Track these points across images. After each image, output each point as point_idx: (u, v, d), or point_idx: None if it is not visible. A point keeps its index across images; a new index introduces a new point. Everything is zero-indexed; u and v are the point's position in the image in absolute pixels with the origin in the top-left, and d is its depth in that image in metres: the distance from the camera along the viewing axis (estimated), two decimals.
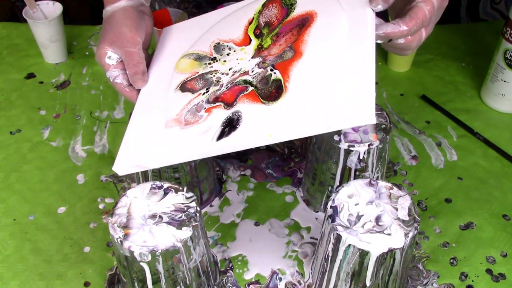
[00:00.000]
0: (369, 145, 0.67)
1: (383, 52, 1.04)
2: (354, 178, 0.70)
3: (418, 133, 0.88)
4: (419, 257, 0.70)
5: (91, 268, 0.69)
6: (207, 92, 0.62)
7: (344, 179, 0.71)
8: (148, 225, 0.57)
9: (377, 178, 0.72)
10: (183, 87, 0.65)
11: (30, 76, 0.99)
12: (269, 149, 0.85)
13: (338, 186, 0.65)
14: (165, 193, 0.60)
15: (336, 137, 0.68)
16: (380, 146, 0.68)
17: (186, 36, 0.73)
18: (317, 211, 0.76)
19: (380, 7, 0.59)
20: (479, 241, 0.72)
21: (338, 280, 0.61)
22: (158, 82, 0.69)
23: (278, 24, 0.66)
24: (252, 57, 0.64)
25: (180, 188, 0.61)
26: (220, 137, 0.57)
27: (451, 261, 0.70)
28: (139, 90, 0.69)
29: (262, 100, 0.58)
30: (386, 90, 0.96)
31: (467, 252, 0.71)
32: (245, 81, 0.61)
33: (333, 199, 0.60)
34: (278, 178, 0.81)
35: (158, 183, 0.61)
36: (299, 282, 0.68)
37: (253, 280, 0.68)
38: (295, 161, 0.83)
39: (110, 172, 0.81)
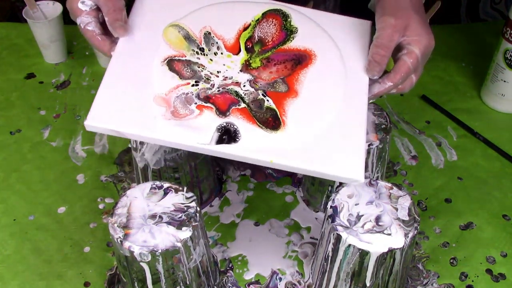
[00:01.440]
0: (369, 145, 0.67)
1: None
2: None
3: (418, 133, 0.88)
4: (419, 257, 0.70)
5: (91, 268, 0.69)
6: (196, 85, 0.62)
7: None
8: (148, 225, 0.57)
9: (377, 178, 0.72)
10: (170, 65, 0.63)
11: (30, 76, 0.99)
12: None
13: (338, 186, 0.65)
14: (165, 193, 0.60)
15: None
16: (380, 146, 0.68)
17: (180, 4, 0.69)
18: (317, 211, 0.76)
19: (376, 76, 0.64)
20: (479, 241, 0.72)
21: (338, 280, 0.61)
22: (141, 39, 0.64)
23: (272, 48, 0.66)
24: (240, 70, 0.64)
25: (180, 188, 0.61)
26: (219, 142, 0.58)
27: (451, 261, 0.70)
28: (112, 42, 0.64)
29: (258, 124, 0.59)
30: None
31: (467, 252, 0.71)
32: (237, 94, 0.61)
33: (333, 199, 0.60)
34: (278, 178, 0.81)
35: (158, 183, 0.61)
36: (299, 282, 0.68)
37: (253, 280, 0.68)
38: None
39: (110, 172, 0.81)
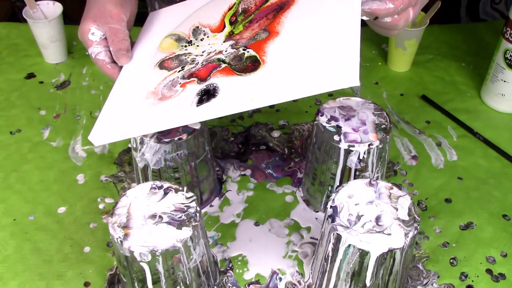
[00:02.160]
0: (369, 145, 0.67)
1: (383, 52, 1.04)
2: (354, 178, 0.70)
3: (418, 133, 0.88)
4: (419, 257, 0.70)
5: (91, 268, 0.69)
6: (182, 70, 0.64)
7: (344, 179, 0.71)
8: (148, 225, 0.57)
9: (377, 178, 0.72)
10: (161, 65, 0.66)
11: (30, 76, 0.99)
12: (269, 149, 0.85)
13: (338, 186, 0.65)
14: (165, 193, 0.60)
15: (336, 137, 0.68)
16: (380, 146, 0.68)
17: (172, 19, 0.73)
18: (317, 211, 0.76)
19: None
20: (479, 241, 0.72)
21: (338, 280, 0.61)
22: (141, 59, 0.69)
23: (255, 11, 0.67)
24: (224, 42, 0.65)
25: (180, 188, 0.61)
26: (199, 103, 0.58)
27: (451, 261, 0.70)
28: (121, 68, 0.69)
29: (237, 73, 0.59)
30: (386, 90, 0.96)
31: (467, 252, 0.71)
32: (219, 59, 0.62)
33: (333, 199, 0.60)
34: (278, 178, 0.81)
35: (158, 183, 0.61)
36: (299, 282, 0.68)
37: (253, 280, 0.68)
38: (295, 161, 0.83)
39: (110, 172, 0.81)
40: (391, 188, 0.61)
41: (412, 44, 0.95)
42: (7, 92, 0.96)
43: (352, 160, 0.68)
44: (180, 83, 0.62)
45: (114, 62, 0.68)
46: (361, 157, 0.68)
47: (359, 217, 0.58)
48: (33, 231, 0.73)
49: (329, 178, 0.72)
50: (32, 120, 0.90)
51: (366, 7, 0.58)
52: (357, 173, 0.70)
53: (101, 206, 0.77)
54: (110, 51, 0.68)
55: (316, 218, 0.75)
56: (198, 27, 0.68)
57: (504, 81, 0.88)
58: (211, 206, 0.77)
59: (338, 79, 0.53)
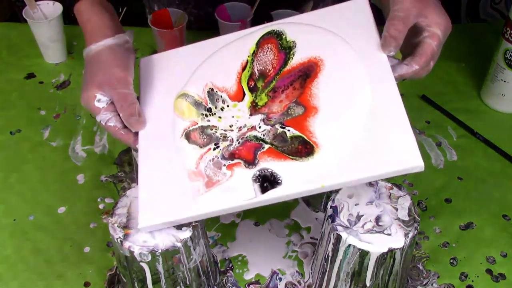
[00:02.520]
0: None
1: None
2: None
3: (418, 133, 0.88)
4: (419, 257, 0.70)
5: (91, 268, 0.69)
6: (217, 147, 0.59)
7: None
8: None
9: None
10: (188, 137, 0.61)
11: (30, 76, 0.99)
12: None
13: None
14: None
15: None
16: None
17: (177, 70, 0.67)
18: (317, 211, 0.76)
19: (392, 52, 0.59)
20: (479, 241, 0.72)
21: (338, 280, 0.60)
22: (158, 123, 0.64)
23: (275, 76, 0.62)
24: (250, 114, 0.61)
25: None
26: (263, 191, 0.55)
27: (451, 261, 0.70)
28: (136, 133, 0.64)
29: (291, 157, 0.56)
30: None
31: (467, 252, 0.71)
32: (257, 138, 0.58)
33: (333, 199, 0.60)
34: None
35: None
36: (299, 282, 0.68)
37: (253, 280, 0.68)
38: None
39: (110, 172, 0.81)
40: (391, 188, 0.61)
41: None
42: (7, 92, 0.96)
43: None
44: (225, 164, 0.57)
45: (126, 127, 0.64)
46: None
47: (359, 217, 0.58)
48: (33, 231, 0.73)
49: None
50: (32, 120, 0.90)
51: (396, 74, 0.59)
52: None
53: (101, 206, 0.77)
54: (119, 116, 0.63)
55: (316, 218, 0.75)
56: (212, 89, 0.63)
57: (504, 81, 0.88)
58: None
59: (404, 168, 0.53)
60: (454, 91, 0.96)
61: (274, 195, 0.55)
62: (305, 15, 0.66)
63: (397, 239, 0.56)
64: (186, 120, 0.62)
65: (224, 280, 0.68)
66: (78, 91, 0.95)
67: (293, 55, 0.62)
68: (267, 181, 0.55)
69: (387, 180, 0.78)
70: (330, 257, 0.60)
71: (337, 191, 0.61)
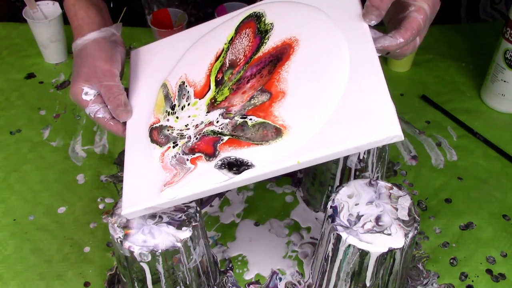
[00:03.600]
0: None
1: None
2: (354, 178, 0.70)
3: (418, 133, 0.88)
4: (419, 257, 0.70)
5: (91, 268, 0.69)
6: (176, 145, 0.58)
7: (344, 179, 0.71)
8: (148, 225, 0.57)
9: (377, 178, 0.72)
10: (151, 135, 0.61)
11: (30, 76, 0.99)
12: None
13: (338, 186, 0.65)
14: None
15: None
16: (380, 146, 0.68)
17: (165, 60, 0.67)
18: (317, 211, 0.76)
19: (374, 22, 0.57)
20: (479, 241, 0.72)
21: (338, 280, 0.61)
22: (144, 113, 0.64)
23: (244, 65, 0.60)
24: (207, 112, 0.59)
25: None
26: (236, 173, 0.53)
27: (451, 261, 0.70)
28: (124, 123, 0.64)
29: (255, 143, 0.54)
30: None
31: (467, 252, 0.71)
32: (214, 132, 0.57)
33: (333, 199, 0.60)
34: (278, 178, 0.81)
35: None
36: (299, 282, 0.68)
37: (253, 280, 0.68)
38: None
39: (110, 172, 0.81)
40: (391, 188, 0.61)
41: None
42: (7, 92, 0.96)
43: (352, 160, 0.68)
44: (188, 159, 0.56)
45: (114, 118, 0.64)
46: (361, 157, 0.68)
47: (359, 217, 0.58)
48: (33, 231, 0.73)
49: (329, 178, 0.72)
50: (32, 120, 0.90)
51: (379, 45, 0.57)
52: (357, 173, 0.70)
53: (101, 206, 0.77)
54: (108, 107, 0.64)
55: (316, 218, 0.75)
56: (184, 83, 0.62)
57: (504, 81, 0.88)
58: (211, 206, 0.77)
59: (382, 138, 0.50)
60: (454, 91, 0.96)
61: (247, 176, 0.53)
62: None
63: (397, 239, 0.56)
64: (155, 115, 0.62)
65: (224, 280, 0.68)
66: None
67: (267, 39, 0.60)
68: (234, 166, 0.54)
69: (387, 180, 0.78)
70: (330, 257, 0.60)
71: (337, 191, 0.61)
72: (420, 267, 0.69)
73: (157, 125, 0.62)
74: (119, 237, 0.56)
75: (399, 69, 1.00)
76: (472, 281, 0.68)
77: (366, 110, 0.52)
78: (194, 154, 0.57)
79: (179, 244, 0.56)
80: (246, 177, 0.53)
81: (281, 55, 0.59)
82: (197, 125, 0.59)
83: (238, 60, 0.61)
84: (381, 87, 0.53)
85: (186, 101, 0.61)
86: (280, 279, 0.68)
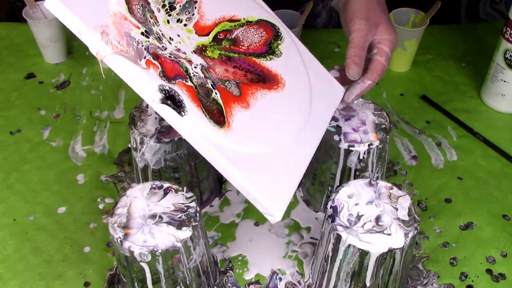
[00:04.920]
0: (369, 145, 0.67)
1: None
2: (354, 178, 0.70)
3: (418, 133, 0.88)
4: (419, 257, 0.70)
5: (91, 268, 0.69)
6: (146, 36, 0.55)
7: (344, 179, 0.71)
8: (148, 225, 0.57)
9: (377, 178, 0.72)
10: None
11: (30, 76, 0.99)
12: None
13: (338, 186, 0.65)
14: (165, 193, 0.60)
15: (336, 137, 0.68)
16: (380, 146, 0.68)
17: None
18: (317, 211, 0.76)
19: (357, 77, 0.68)
20: (479, 241, 0.72)
21: (338, 280, 0.61)
22: None
23: (241, 53, 0.62)
24: (194, 51, 0.59)
25: (180, 188, 0.61)
26: (163, 102, 0.53)
27: (451, 261, 0.70)
28: None
29: (203, 110, 0.56)
30: (386, 90, 0.96)
31: (467, 252, 0.71)
32: (187, 71, 0.57)
33: (333, 199, 0.60)
34: None
35: (158, 183, 0.61)
36: (299, 282, 0.68)
37: (253, 280, 0.68)
38: None
39: (110, 172, 0.81)
40: (391, 188, 0.61)
41: (412, 44, 0.95)
42: (7, 92, 0.96)
43: (352, 160, 0.68)
44: (145, 56, 0.54)
45: None
46: (361, 157, 0.68)
47: (359, 217, 0.58)
48: (33, 231, 0.73)
49: (329, 178, 0.72)
50: (32, 120, 0.90)
51: (353, 96, 0.69)
52: (357, 173, 0.70)
53: (101, 206, 0.77)
54: None
55: (316, 218, 0.75)
56: (196, 1, 0.60)
57: (504, 81, 0.88)
58: (211, 206, 0.77)
59: (264, 209, 0.57)
60: (454, 91, 0.96)
61: (171, 117, 0.54)
62: (306, 50, 0.69)
63: (397, 239, 0.56)
64: None
65: (224, 280, 0.68)
66: (78, 91, 0.96)
67: (270, 59, 0.64)
68: (172, 101, 0.54)
69: (387, 180, 0.78)
70: (330, 257, 0.60)
71: (337, 191, 0.61)
72: (420, 267, 0.69)
73: (148, 2, 0.57)
74: (119, 237, 0.56)
75: (399, 69, 1.00)
76: (472, 281, 0.68)
77: (276, 180, 0.58)
78: (154, 60, 0.55)
79: (179, 244, 0.56)
80: (169, 120, 0.54)
81: (267, 80, 0.63)
82: (179, 49, 0.58)
83: (241, 44, 0.63)
84: (296, 176, 0.60)
85: (187, 21, 0.60)
86: (280, 279, 0.68)
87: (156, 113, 0.70)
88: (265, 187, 0.57)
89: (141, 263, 0.56)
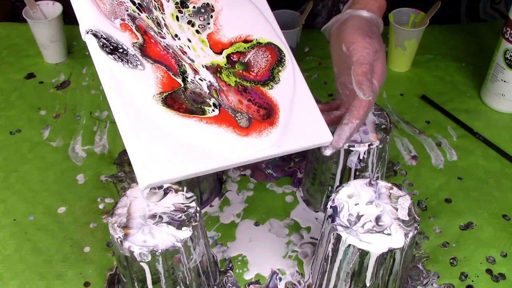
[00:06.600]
0: (369, 145, 0.67)
1: None
2: (354, 178, 0.70)
3: (418, 133, 0.88)
4: (419, 257, 0.70)
5: (91, 268, 0.69)
6: (138, 9, 0.53)
7: (344, 179, 0.71)
8: (148, 225, 0.57)
9: (377, 178, 0.72)
10: None
11: (30, 76, 0.99)
12: None
13: (338, 186, 0.65)
14: (165, 193, 0.60)
15: None
16: (380, 146, 0.68)
17: None
18: (317, 211, 0.76)
19: (370, 97, 0.61)
20: (479, 241, 0.72)
21: (338, 280, 0.61)
22: None
23: (251, 82, 0.60)
24: (205, 66, 0.57)
25: (180, 188, 0.61)
26: (103, 50, 0.50)
27: (451, 261, 0.70)
28: None
29: (190, 115, 0.54)
30: (386, 90, 0.96)
31: (467, 252, 0.71)
32: (183, 72, 0.54)
33: (333, 199, 0.60)
34: (278, 178, 0.81)
35: None
36: (299, 282, 0.68)
37: (253, 280, 0.68)
38: (295, 161, 0.83)
39: (110, 172, 0.81)
40: (391, 188, 0.61)
41: (412, 44, 0.95)
42: (7, 92, 0.96)
43: (352, 160, 0.68)
44: (125, 20, 0.51)
45: None
46: (361, 157, 0.68)
47: (359, 217, 0.58)
48: (33, 231, 0.73)
49: (329, 178, 0.72)
50: (32, 120, 0.90)
51: (343, 140, 0.62)
52: (357, 173, 0.70)
53: (101, 206, 0.77)
54: None
55: (316, 218, 0.75)
56: (213, 9, 0.57)
57: (504, 81, 0.88)
58: (211, 206, 0.77)
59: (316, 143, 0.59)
60: (454, 91, 0.96)
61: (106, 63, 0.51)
62: (304, 83, 0.64)
63: (397, 239, 0.56)
64: None
65: (224, 280, 0.68)
66: (78, 91, 0.96)
67: (271, 87, 0.61)
68: (108, 47, 0.51)
69: (387, 180, 0.78)
70: (330, 257, 0.60)
71: (337, 191, 0.61)
72: (420, 267, 0.69)
73: None
74: (119, 237, 0.56)
75: (399, 69, 1.00)
76: (472, 281, 0.68)
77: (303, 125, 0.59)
78: (138, 32, 0.52)
79: (179, 244, 0.56)
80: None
81: (271, 113, 0.60)
82: (184, 52, 0.54)
83: (251, 70, 0.60)
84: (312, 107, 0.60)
85: (200, 29, 0.56)
86: (280, 279, 0.68)
87: None
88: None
89: (141, 263, 0.56)
